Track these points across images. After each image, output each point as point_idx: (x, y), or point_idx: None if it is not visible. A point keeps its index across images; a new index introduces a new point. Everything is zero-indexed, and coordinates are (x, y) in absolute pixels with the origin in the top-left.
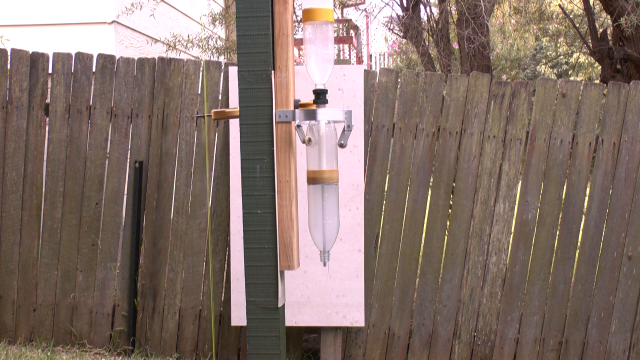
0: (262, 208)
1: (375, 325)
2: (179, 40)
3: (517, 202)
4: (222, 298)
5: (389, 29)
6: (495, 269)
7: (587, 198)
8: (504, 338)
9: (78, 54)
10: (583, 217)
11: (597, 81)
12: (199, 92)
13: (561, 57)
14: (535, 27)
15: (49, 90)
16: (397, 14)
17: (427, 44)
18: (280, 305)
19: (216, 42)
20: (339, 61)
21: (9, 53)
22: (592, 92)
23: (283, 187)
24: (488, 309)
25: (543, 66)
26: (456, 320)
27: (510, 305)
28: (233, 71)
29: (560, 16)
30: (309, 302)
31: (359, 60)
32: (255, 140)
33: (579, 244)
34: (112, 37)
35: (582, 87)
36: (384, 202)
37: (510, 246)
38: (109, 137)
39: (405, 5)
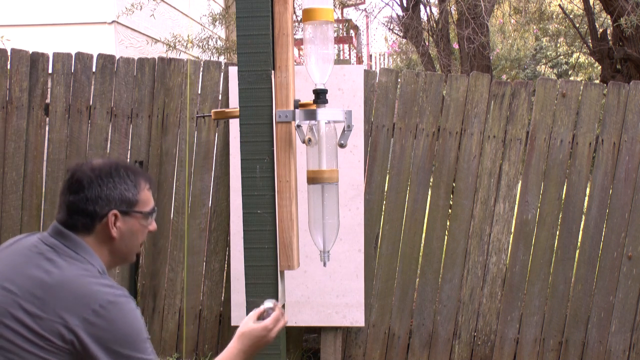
0: (262, 208)
1: (375, 325)
2: (178, 41)
3: (517, 202)
4: (222, 298)
5: (389, 29)
6: (495, 269)
7: (587, 198)
8: (504, 338)
9: (78, 54)
10: (583, 217)
11: (597, 81)
12: (199, 92)
13: (561, 57)
14: (535, 27)
15: (49, 90)
16: (397, 14)
17: (427, 44)
18: (280, 305)
19: (216, 42)
20: (339, 61)
21: (9, 53)
22: (592, 92)
23: (283, 187)
24: (488, 309)
25: (543, 66)
26: (456, 320)
27: (510, 305)
28: (233, 71)
29: (560, 16)
30: (309, 302)
31: (359, 60)
32: (255, 140)
33: (579, 244)
34: (112, 37)
35: (582, 87)
36: (384, 202)
37: (510, 246)
38: (109, 137)
39: (405, 5)
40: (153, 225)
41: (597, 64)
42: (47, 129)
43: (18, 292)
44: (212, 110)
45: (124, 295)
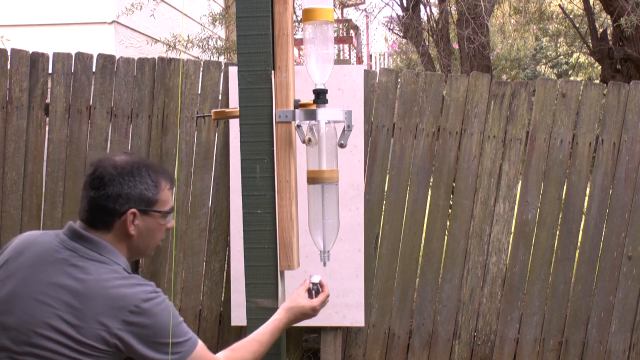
0: (262, 208)
1: (375, 325)
2: (179, 41)
3: (517, 202)
4: (222, 298)
5: (389, 29)
6: (495, 269)
7: (587, 198)
8: (504, 338)
9: (78, 54)
10: (583, 217)
11: (597, 81)
12: (199, 92)
13: (561, 57)
14: (535, 27)
15: (49, 90)
16: (397, 14)
17: (427, 44)
18: (280, 305)
19: (216, 42)
20: (339, 61)
21: (9, 53)
22: (592, 92)
23: (283, 187)
24: (488, 309)
25: (543, 66)
26: (456, 320)
27: (510, 305)
28: (233, 71)
29: (560, 16)
30: None
31: (359, 60)
32: (255, 140)
33: (579, 244)
34: (112, 37)
35: (582, 87)
36: (384, 202)
37: (510, 246)
38: (109, 137)
39: (405, 5)
40: (171, 223)
41: (597, 64)
42: (47, 129)
43: (54, 303)
44: (212, 110)
45: (154, 291)
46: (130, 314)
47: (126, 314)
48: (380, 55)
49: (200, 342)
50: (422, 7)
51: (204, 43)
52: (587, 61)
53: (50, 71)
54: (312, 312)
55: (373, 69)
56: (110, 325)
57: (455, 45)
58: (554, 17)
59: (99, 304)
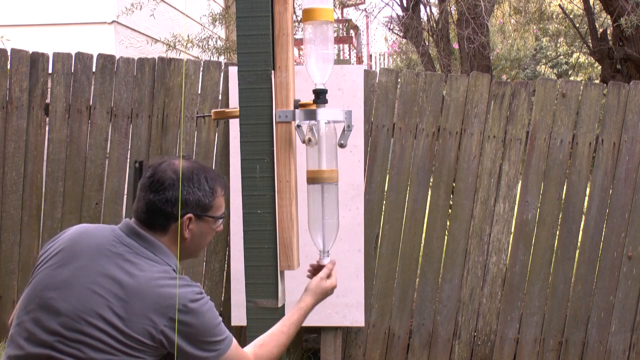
0: (262, 208)
1: (375, 325)
2: (178, 40)
3: (517, 202)
4: (222, 298)
5: (389, 29)
6: (495, 269)
7: (587, 198)
8: (504, 338)
9: (78, 54)
10: (583, 217)
11: (597, 81)
12: (199, 92)
13: (561, 57)
14: (535, 27)
15: (49, 90)
16: (397, 14)
17: (427, 44)
18: (280, 305)
19: (216, 42)
20: (339, 61)
21: (9, 53)
22: (592, 92)
23: (283, 187)
24: (488, 309)
25: (543, 66)
26: (456, 320)
27: (510, 305)
28: (233, 71)
29: (560, 16)
30: None
31: (359, 60)
32: (255, 140)
33: (579, 244)
34: (112, 37)
35: (582, 87)
36: (384, 202)
37: (510, 246)
38: (109, 137)
39: (405, 5)
40: (220, 227)
41: (597, 64)
42: (47, 129)
43: (105, 295)
44: (212, 110)
45: (200, 292)
46: (178, 312)
47: (174, 312)
48: (380, 55)
49: (234, 340)
50: (422, 7)
51: (204, 43)
52: (587, 61)
53: (50, 71)
54: (332, 291)
55: (373, 69)
56: (158, 322)
57: (455, 45)
58: (554, 17)
59: (149, 300)
